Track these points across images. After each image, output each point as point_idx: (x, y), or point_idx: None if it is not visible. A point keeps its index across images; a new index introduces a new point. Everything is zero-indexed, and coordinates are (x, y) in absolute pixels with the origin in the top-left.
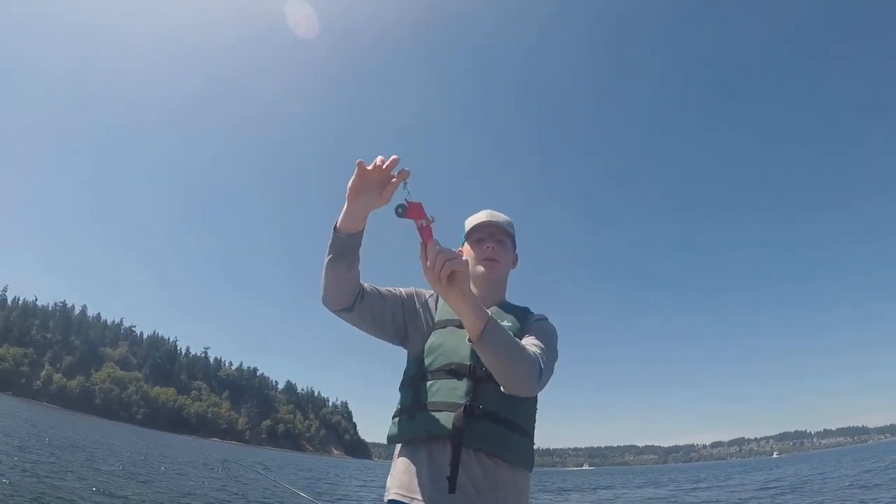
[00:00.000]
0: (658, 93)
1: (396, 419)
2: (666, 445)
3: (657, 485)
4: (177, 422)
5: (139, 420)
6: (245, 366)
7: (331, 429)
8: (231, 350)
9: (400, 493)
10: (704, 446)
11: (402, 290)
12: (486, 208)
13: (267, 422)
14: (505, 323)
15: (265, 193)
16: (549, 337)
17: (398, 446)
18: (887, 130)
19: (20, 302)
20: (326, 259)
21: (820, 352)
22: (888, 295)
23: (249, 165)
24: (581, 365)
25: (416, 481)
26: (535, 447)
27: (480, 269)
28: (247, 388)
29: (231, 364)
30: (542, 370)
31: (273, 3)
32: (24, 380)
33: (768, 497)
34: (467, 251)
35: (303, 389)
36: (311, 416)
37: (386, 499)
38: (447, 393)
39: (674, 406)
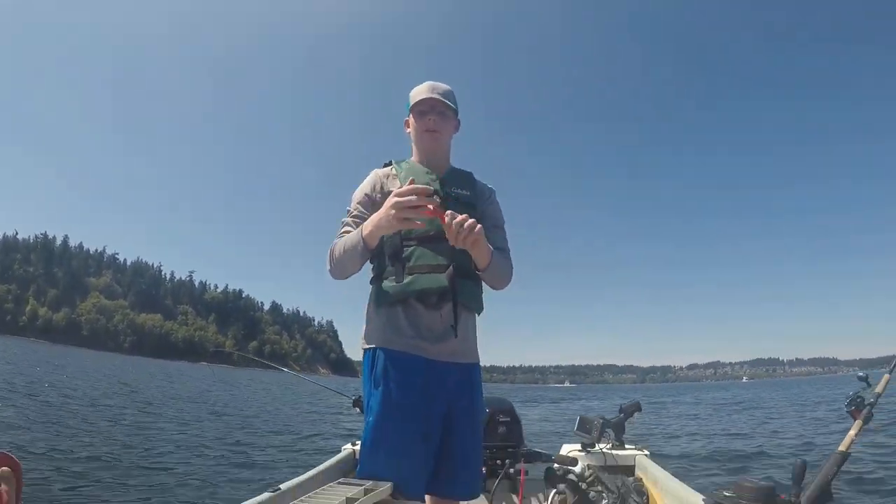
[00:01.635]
0: None
1: (385, 282)
2: (645, 366)
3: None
4: (165, 348)
5: (126, 349)
6: (230, 288)
7: (317, 348)
8: (216, 273)
9: (388, 340)
10: (681, 368)
11: (365, 196)
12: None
13: (254, 343)
14: (460, 191)
15: (244, 120)
16: (503, 220)
17: (371, 305)
18: None
19: (0, 237)
20: (346, 257)
21: (800, 282)
22: (873, 230)
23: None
24: (563, 283)
25: (398, 332)
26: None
27: (425, 140)
28: (233, 310)
29: (216, 287)
30: (512, 266)
31: None
32: (9, 317)
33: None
34: (412, 122)
35: (288, 310)
36: (297, 336)
37: (365, 347)
38: (431, 256)
39: (654, 327)
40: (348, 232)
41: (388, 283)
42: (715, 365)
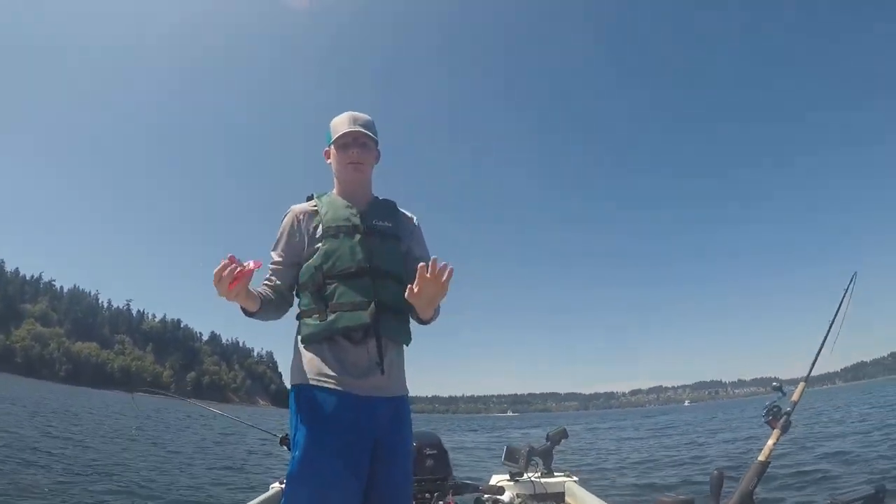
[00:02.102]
0: None
1: (307, 320)
2: (587, 392)
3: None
4: (100, 377)
5: (62, 377)
6: (168, 318)
7: (256, 379)
8: (154, 302)
9: (314, 378)
10: (624, 394)
11: (286, 232)
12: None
13: (192, 374)
14: (383, 223)
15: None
16: (428, 255)
17: (297, 341)
18: None
19: None
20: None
21: (740, 302)
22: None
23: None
24: (504, 308)
25: (324, 369)
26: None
27: (349, 172)
28: (171, 340)
29: (154, 316)
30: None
31: None
32: None
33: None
34: (333, 153)
35: (227, 340)
36: (237, 366)
37: (292, 384)
38: (352, 294)
39: (595, 354)
40: (268, 283)
41: (311, 321)
42: (658, 390)
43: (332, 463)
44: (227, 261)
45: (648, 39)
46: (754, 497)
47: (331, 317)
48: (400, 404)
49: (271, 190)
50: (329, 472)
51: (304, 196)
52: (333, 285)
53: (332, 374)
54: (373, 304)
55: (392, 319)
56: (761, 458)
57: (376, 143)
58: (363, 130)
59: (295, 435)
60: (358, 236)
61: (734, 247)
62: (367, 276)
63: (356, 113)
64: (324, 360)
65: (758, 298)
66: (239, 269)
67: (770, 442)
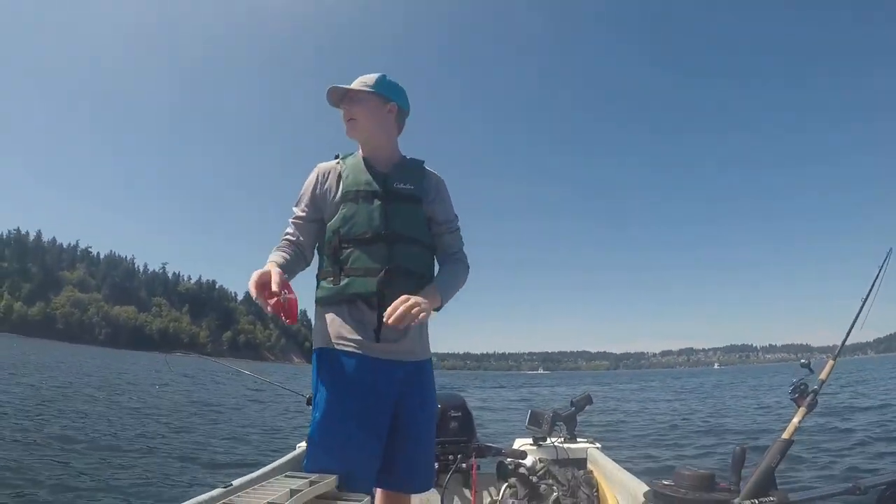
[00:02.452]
0: None
1: (323, 282)
2: (618, 352)
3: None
4: (139, 339)
5: (101, 341)
6: (204, 279)
7: (291, 337)
8: (190, 264)
9: (334, 341)
10: (655, 354)
11: (310, 189)
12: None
13: (228, 333)
14: (405, 185)
15: (210, 113)
16: (454, 216)
17: (316, 304)
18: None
19: None
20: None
21: (774, 270)
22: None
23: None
24: (537, 266)
25: (343, 332)
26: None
27: (347, 131)
28: (207, 300)
29: (190, 278)
30: (468, 266)
31: None
32: None
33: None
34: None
35: None
36: (272, 325)
37: (316, 347)
38: (366, 259)
39: (628, 313)
40: (289, 237)
41: (325, 284)
42: (688, 351)
43: (351, 425)
44: (271, 300)
45: None
46: (776, 474)
47: (343, 281)
48: (422, 367)
49: (301, 152)
50: (348, 433)
51: (332, 155)
52: (349, 250)
53: (352, 337)
54: (383, 272)
55: (409, 284)
56: (785, 435)
57: (376, 94)
58: (342, 87)
59: (316, 396)
60: (377, 202)
61: (775, 212)
62: (383, 241)
63: (360, 77)
64: (343, 323)
65: (793, 265)
66: (276, 299)
67: (795, 420)
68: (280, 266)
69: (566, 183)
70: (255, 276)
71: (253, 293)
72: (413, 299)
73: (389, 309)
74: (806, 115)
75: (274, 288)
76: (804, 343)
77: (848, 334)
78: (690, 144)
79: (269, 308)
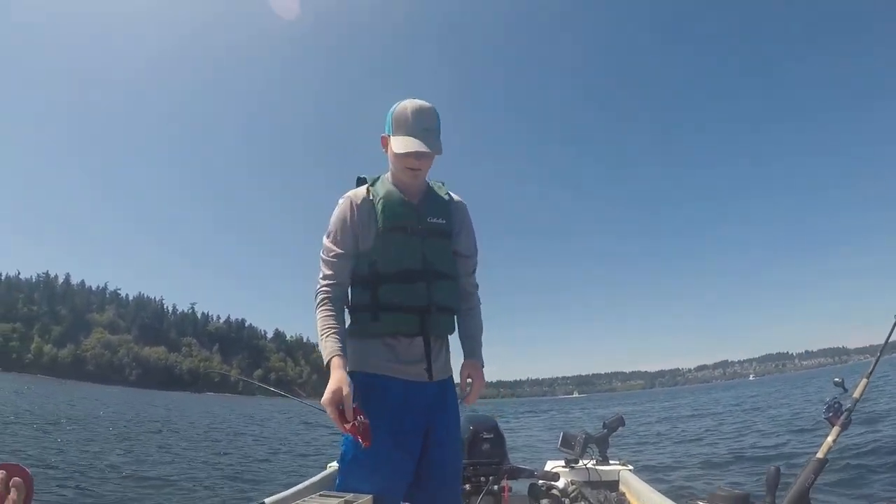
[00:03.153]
0: None
1: (358, 314)
2: (652, 370)
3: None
4: (170, 379)
5: (132, 381)
6: (233, 318)
7: (321, 373)
8: (218, 304)
9: (365, 365)
10: (690, 370)
11: (346, 221)
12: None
13: (259, 371)
14: (438, 220)
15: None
16: (475, 249)
17: (350, 331)
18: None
19: (3, 277)
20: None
21: (807, 274)
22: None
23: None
24: (565, 291)
25: (380, 360)
26: (526, 377)
27: (407, 175)
28: (236, 340)
29: (219, 318)
30: (480, 311)
31: None
32: (14, 355)
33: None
34: (391, 147)
35: (291, 336)
36: (302, 361)
37: (348, 370)
38: (406, 296)
39: (660, 330)
40: (328, 288)
41: (362, 317)
42: (723, 364)
43: (384, 443)
44: (346, 425)
45: None
46: (810, 494)
47: (382, 316)
48: (447, 385)
49: (316, 188)
50: (384, 453)
51: (354, 180)
52: (387, 285)
53: (386, 364)
54: (426, 307)
55: (447, 322)
56: (819, 454)
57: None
58: (430, 152)
59: None
60: (415, 237)
61: (806, 212)
62: (422, 279)
63: (428, 119)
64: (377, 353)
65: (827, 265)
66: (352, 424)
67: (829, 439)
68: (342, 350)
69: (593, 198)
70: (329, 397)
71: (331, 416)
72: (481, 379)
73: (472, 396)
74: (852, 103)
75: (348, 417)
76: (840, 346)
77: (881, 353)
78: (715, 143)
79: (343, 429)
